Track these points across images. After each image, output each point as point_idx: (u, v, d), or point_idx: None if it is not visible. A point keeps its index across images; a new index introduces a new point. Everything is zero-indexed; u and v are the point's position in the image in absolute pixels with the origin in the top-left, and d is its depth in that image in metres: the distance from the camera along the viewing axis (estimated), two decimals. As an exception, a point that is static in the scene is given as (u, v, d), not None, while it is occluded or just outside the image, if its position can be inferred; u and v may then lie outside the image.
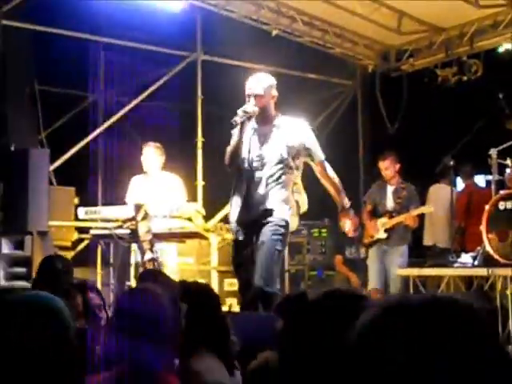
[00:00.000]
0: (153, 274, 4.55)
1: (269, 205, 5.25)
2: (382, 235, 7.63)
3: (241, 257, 5.37)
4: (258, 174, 5.30)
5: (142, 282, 4.23)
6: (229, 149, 5.33)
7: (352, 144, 10.42)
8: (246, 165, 5.31)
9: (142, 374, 2.50)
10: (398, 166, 7.88)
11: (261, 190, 5.28)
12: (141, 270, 6.49)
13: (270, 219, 5.22)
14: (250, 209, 5.31)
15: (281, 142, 5.29)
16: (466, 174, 8.92)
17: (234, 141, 5.28)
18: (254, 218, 5.29)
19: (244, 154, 5.31)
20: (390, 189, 7.84)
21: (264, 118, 5.36)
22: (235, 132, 5.26)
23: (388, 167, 7.81)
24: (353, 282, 8.59)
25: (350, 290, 1.16)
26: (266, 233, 5.18)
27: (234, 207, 5.39)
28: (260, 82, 5.34)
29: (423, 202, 8.41)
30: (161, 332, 2.52)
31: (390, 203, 7.77)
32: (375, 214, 7.83)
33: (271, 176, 5.28)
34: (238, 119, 5.14)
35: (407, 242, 7.79)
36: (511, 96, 7.52)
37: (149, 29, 8.87)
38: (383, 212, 7.71)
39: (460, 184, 9.07)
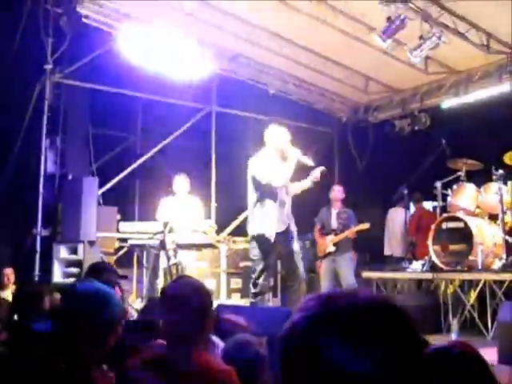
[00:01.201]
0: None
1: (291, 219, 5.40)
2: (332, 249, 7.68)
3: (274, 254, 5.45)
4: (285, 195, 5.46)
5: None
6: (286, 176, 5.44)
7: (329, 178, 10.40)
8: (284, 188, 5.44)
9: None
10: (343, 196, 7.92)
11: (286, 206, 5.40)
12: (167, 271, 6.47)
13: (293, 234, 5.37)
14: (282, 221, 5.39)
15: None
16: (416, 200, 8.92)
17: (290, 171, 5.43)
18: (284, 228, 5.41)
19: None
20: (334, 212, 7.86)
21: None
22: (291, 166, 5.39)
23: (340, 190, 7.90)
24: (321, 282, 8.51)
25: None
26: (296, 245, 5.51)
27: (271, 219, 5.41)
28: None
29: (381, 222, 8.45)
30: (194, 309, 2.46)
31: (334, 223, 7.81)
32: (323, 231, 7.86)
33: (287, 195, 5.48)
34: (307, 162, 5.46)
35: (350, 250, 7.81)
36: (451, 141, 7.55)
37: (176, 87, 8.92)
38: (329, 230, 7.75)
39: (412, 208, 9.07)
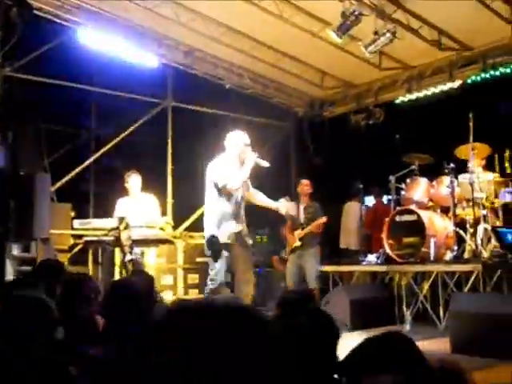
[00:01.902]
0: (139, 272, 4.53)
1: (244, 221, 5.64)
2: (298, 243, 7.71)
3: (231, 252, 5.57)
4: (242, 198, 5.52)
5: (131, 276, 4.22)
6: (242, 178, 5.51)
7: (286, 172, 10.49)
8: (241, 190, 5.57)
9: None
10: (311, 190, 7.97)
11: (242, 208, 5.62)
12: (123, 268, 6.41)
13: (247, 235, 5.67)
14: (238, 222, 5.56)
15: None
16: (376, 194, 9.03)
17: (246, 174, 5.51)
18: (240, 229, 5.58)
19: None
20: (301, 207, 7.92)
21: None
22: (247, 169, 5.47)
23: (307, 185, 7.92)
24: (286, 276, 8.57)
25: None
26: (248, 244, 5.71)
27: (228, 221, 5.49)
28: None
29: (337, 216, 8.55)
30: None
31: (301, 218, 7.85)
32: (294, 226, 7.91)
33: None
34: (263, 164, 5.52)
35: (317, 245, 7.79)
36: (405, 136, 7.69)
37: (132, 81, 8.84)
38: (297, 225, 7.80)
39: (372, 201, 9.19)
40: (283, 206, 5.91)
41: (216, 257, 5.53)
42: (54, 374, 2.06)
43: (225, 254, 5.51)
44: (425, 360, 1.68)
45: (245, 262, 5.67)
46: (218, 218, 5.56)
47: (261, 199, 5.94)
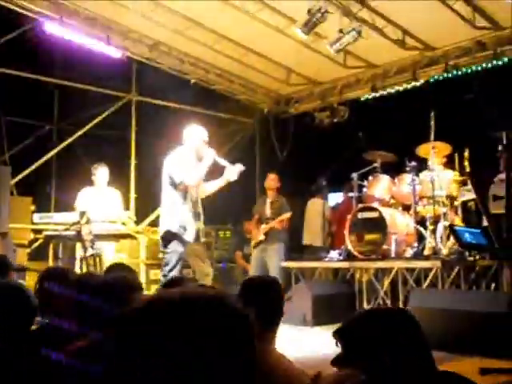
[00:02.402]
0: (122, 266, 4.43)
1: (200, 217, 5.64)
2: (262, 237, 7.71)
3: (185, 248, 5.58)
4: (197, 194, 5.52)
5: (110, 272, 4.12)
6: (199, 175, 5.51)
7: (250, 168, 10.46)
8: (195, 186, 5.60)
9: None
10: (279, 184, 7.98)
11: (198, 204, 5.67)
12: (83, 263, 6.31)
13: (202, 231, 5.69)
14: (194, 218, 5.51)
15: None
16: (346, 189, 9.02)
17: (203, 171, 5.49)
18: (195, 225, 5.58)
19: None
20: (268, 201, 7.93)
21: None
22: (205, 166, 5.46)
23: (274, 179, 7.95)
24: (249, 271, 8.59)
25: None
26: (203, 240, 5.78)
27: (185, 215, 5.45)
28: None
29: (302, 212, 8.60)
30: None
31: (268, 212, 7.86)
32: (260, 220, 7.90)
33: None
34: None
35: (281, 241, 7.79)
36: (368, 134, 7.75)
37: (96, 74, 8.71)
38: (264, 220, 7.81)
39: (340, 197, 9.19)
40: (230, 174, 5.73)
41: (177, 250, 5.50)
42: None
43: (180, 249, 5.49)
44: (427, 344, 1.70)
45: (201, 257, 5.65)
46: (175, 214, 5.52)
47: (211, 186, 5.86)
